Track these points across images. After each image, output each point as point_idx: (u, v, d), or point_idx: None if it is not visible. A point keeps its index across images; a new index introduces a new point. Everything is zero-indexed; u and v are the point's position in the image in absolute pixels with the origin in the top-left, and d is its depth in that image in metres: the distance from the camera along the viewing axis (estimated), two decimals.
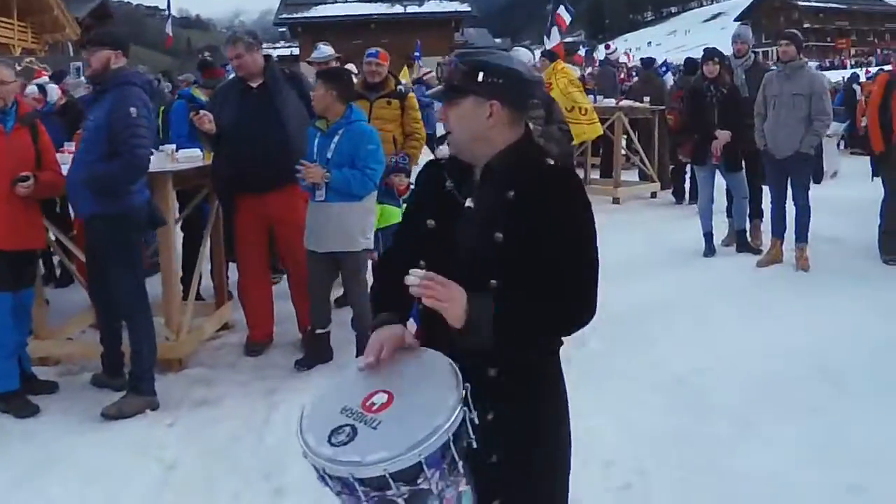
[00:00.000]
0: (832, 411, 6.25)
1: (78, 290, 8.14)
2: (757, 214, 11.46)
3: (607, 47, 25.82)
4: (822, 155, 16.98)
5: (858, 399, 6.46)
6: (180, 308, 7.58)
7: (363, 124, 7.21)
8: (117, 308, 6.64)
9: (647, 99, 16.35)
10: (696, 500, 5.07)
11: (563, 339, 3.07)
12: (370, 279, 5.62)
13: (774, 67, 10.61)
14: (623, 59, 34.52)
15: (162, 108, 10.49)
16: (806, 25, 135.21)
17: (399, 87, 9.25)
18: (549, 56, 14.26)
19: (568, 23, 20.28)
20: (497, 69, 2.89)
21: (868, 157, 11.98)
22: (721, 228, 11.51)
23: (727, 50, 11.92)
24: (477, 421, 2.65)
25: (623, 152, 16.80)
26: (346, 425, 2.59)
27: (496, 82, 2.88)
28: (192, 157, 7.82)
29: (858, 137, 18.65)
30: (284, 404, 6.44)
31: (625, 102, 16.78)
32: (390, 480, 2.46)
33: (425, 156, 8.98)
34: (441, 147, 8.68)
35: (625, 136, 16.59)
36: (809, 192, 10.39)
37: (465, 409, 2.60)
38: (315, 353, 7.40)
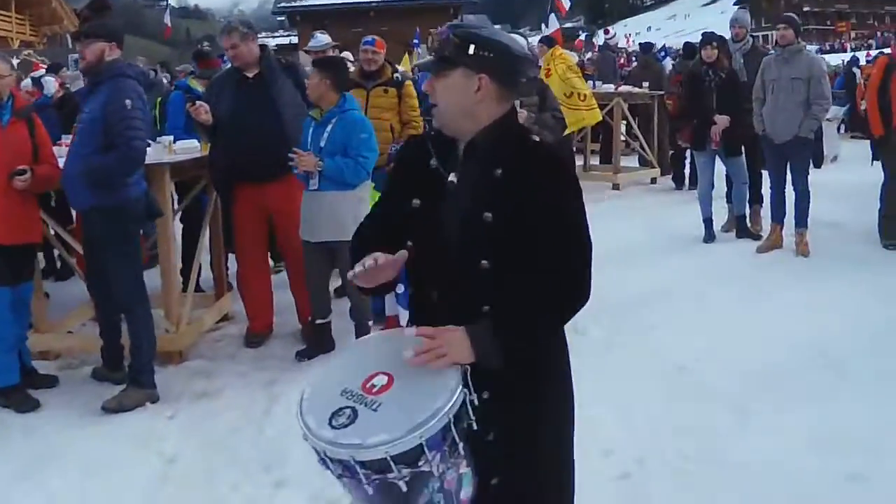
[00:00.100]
0: (832, 399, 6.23)
1: (78, 284, 8.14)
2: (757, 200, 11.46)
3: (606, 32, 25.88)
4: (822, 139, 16.99)
5: (859, 386, 6.45)
6: (180, 300, 7.58)
7: (356, 113, 7.21)
8: (116, 301, 6.62)
9: (645, 84, 16.36)
10: (695, 490, 5.05)
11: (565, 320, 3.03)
12: None
13: (773, 52, 10.57)
14: (623, 43, 34.47)
15: (159, 99, 10.48)
16: (806, 9, 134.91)
17: (396, 75, 9.20)
18: (548, 42, 14.21)
19: (567, 8, 20.24)
20: (488, 43, 2.86)
21: (868, 141, 11.96)
22: (721, 214, 11.51)
23: (727, 34, 11.89)
24: (476, 402, 2.66)
25: (622, 138, 16.81)
26: (347, 407, 2.59)
27: (486, 56, 2.85)
28: (190, 148, 7.81)
29: (859, 121, 18.61)
30: (285, 396, 6.42)
31: (624, 88, 16.80)
32: (391, 463, 2.47)
33: None
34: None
35: (624, 122, 16.60)
36: (809, 177, 10.38)
37: (465, 390, 2.60)
38: (316, 343, 7.40)
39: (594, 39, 43.68)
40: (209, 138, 7.59)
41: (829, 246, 10.52)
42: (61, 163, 6.57)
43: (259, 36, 7.95)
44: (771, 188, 10.49)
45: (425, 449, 2.48)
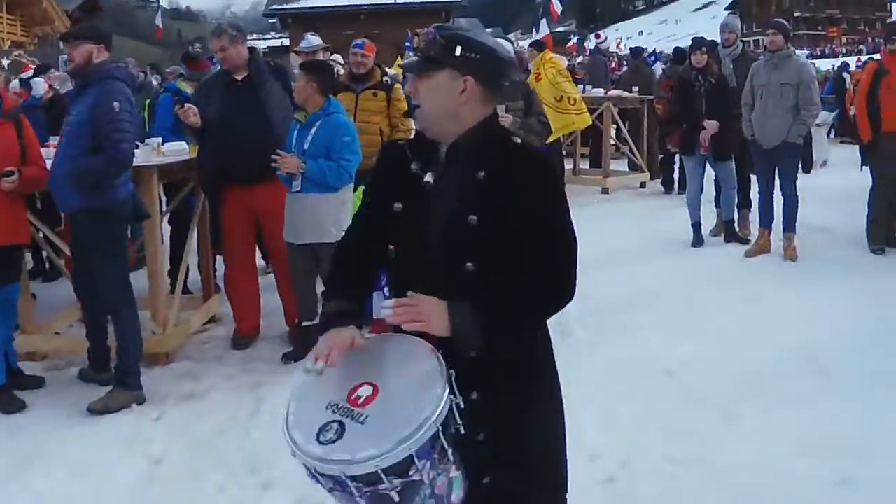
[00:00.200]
0: (820, 402, 6.24)
1: (65, 285, 8.14)
2: (745, 204, 11.50)
3: (597, 37, 25.84)
4: (811, 144, 17.02)
5: (847, 389, 6.46)
6: (167, 302, 7.58)
7: (340, 116, 7.24)
8: (103, 302, 6.62)
9: (635, 89, 16.37)
10: (681, 494, 5.06)
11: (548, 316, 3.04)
12: None
13: (762, 57, 10.60)
14: (613, 48, 34.52)
15: (148, 101, 10.47)
16: (797, 14, 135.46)
17: (385, 78, 9.22)
18: (538, 46, 14.24)
19: (559, 12, 20.27)
20: (475, 45, 2.87)
21: (857, 146, 12.00)
22: (709, 218, 11.52)
23: (718, 39, 11.92)
24: (462, 405, 2.66)
25: (612, 142, 16.81)
26: (334, 422, 2.58)
27: (473, 58, 2.86)
28: (178, 150, 7.81)
29: (848, 126, 18.66)
30: (271, 398, 6.42)
31: (614, 92, 16.84)
32: (382, 475, 2.47)
33: None
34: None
35: (614, 126, 16.61)
36: (798, 182, 10.41)
37: (451, 395, 2.60)
38: (303, 346, 7.37)
39: (585, 44, 43.70)
40: (198, 140, 7.58)
41: (817, 250, 10.55)
42: (49, 164, 6.56)
43: (251, 38, 7.96)
44: (759, 193, 10.52)
45: (415, 459, 2.48)
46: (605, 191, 15.76)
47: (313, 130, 7.04)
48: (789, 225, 10.28)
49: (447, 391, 2.58)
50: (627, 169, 17.08)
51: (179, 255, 8.60)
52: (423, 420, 2.49)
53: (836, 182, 14.93)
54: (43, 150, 6.96)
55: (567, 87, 12.96)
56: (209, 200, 8.03)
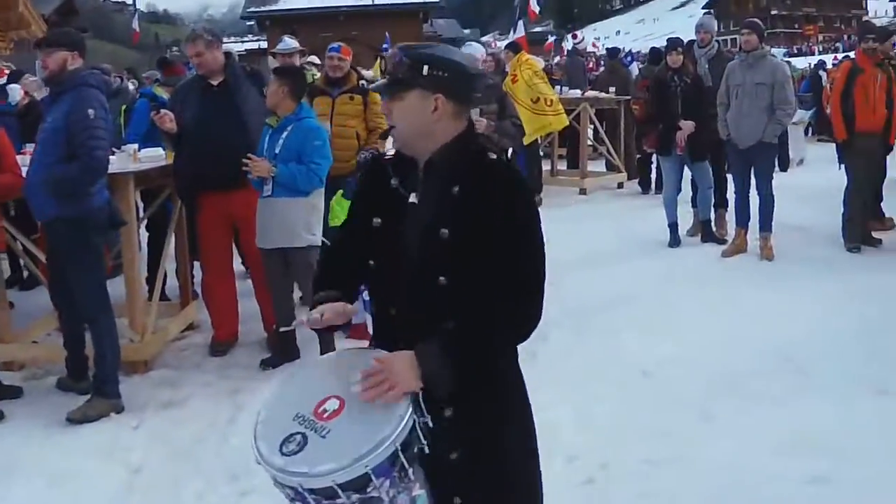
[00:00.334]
0: (796, 401, 6.28)
1: (43, 293, 8.10)
2: (722, 204, 11.55)
3: (574, 37, 25.85)
4: (787, 143, 17.09)
5: (823, 389, 6.49)
6: (144, 309, 7.56)
7: (311, 121, 7.27)
8: (79, 310, 6.60)
9: (612, 89, 16.40)
10: (659, 494, 5.08)
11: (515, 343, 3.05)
12: None
13: (738, 57, 10.65)
14: (591, 48, 34.56)
15: (124, 106, 10.45)
16: (774, 12, 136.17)
17: (362, 82, 9.21)
18: (513, 48, 14.27)
19: (538, 12, 20.28)
20: (442, 62, 2.87)
21: (835, 144, 12.05)
22: (686, 218, 11.55)
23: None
24: (431, 424, 2.67)
25: (589, 143, 16.84)
26: (298, 433, 2.61)
27: (441, 75, 2.86)
28: (154, 156, 7.78)
29: (825, 124, 18.73)
30: (250, 404, 6.39)
31: (590, 93, 16.87)
32: (339, 490, 2.49)
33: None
34: (387, 141, 8.69)
35: (591, 127, 16.64)
36: (774, 181, 10.46)
37: (416, 415, 2.62)
38: (281, 351, 7.40)
39: (563, 44, 43.72)
40: (173, 146, 7.57)
41: (793, 249, 10.59)
42: (24, 172, 6.54)
43: (228, 41, 7.97)
44: (735, 193, 10.56)
45: (372, 476, 2.50)
46: (582, 191, 15.77)
47: (284, 135, 7.06)
48: (766, 224, 10.32)
49: (409, 411, 2.60)
50: (605, 170, 17.11)
51: (157, 261, 8.59)
52: (382, 439, 2.51)
53: (813, 180, 14.99)
54: (18, 158, 6.95)
55: (543, 88, 13.01)
56: (185, 207, 8.01)
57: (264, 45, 62.38)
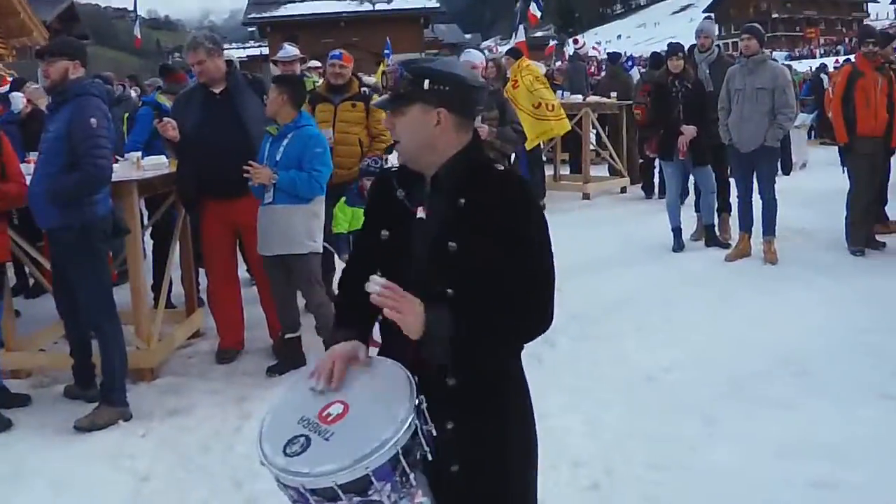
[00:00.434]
0: (799, 406, 6.29)
1: (49, 301, 8.07)
2: (725, 208, 11.56)
3: (576, 42, 25.85)
4: (789, 146, 17.12)
5: (826, 393, 6.50)
6: (150, 316, 7.57)
7: (311, 129, 7.28)
8: (85, 318, 6.63)
9: (614, 94, 16.41)
10: (663, 499, 5.10)
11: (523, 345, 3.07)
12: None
13: (738, 62, 10.66)
14: (592, 52, 34.56)
15: (127, 114, 10.47)
16: (775, 15, 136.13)
17: (363, 89, 9.22)
18: (514, 54, 14.30)
19: (538, 17, 20.27)
20: (442, 76, 2.88)
21: (837, 147, 12.05)
22: (690, 223, 11.56)
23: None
24: (434, 432, 2.70)
25: (592, 148, 16.85)
26: (301, 436, 2.65)
27: (442, 89, 2.86)
28: (158, 164, 7.81)
29: (827, 127, 18.74)
30: (256, 412, 6.40)
31: (592, 98, 16.88)
32: (339, 492, 2.52)
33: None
34: (390, 156, 8.72)
35: (593, 132, 16.66)
36: (777, 184, 10.48)
37: (418, 421, 2.64)
38: (287, 358, 7.41)
39: (564, 48, 43.74)
40: (176, 154, 7.59)
41: (797, 253, 10.61)
42: (28, 181, 6.57)
43: (230, 47, 7.99)
44: (738, 197, 10.57)
45: (373, 479, 2.53)
46: (585, 196, 15.80)
47: (285, 142, 7.09)
48: (769, 228, 10.33)
49: (411, 416, 2.62)
50: (608, 174, 17.12)
51: (162, 269, 8.60)
52: (383, 441, 2.53)
53: (816, 184, 15.04)
54: (22, 166, 6.97)
55: (545, 93, 13.03)
56: (189, 214, 8.05)
57: (266, 51, 62.44)
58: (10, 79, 14.68)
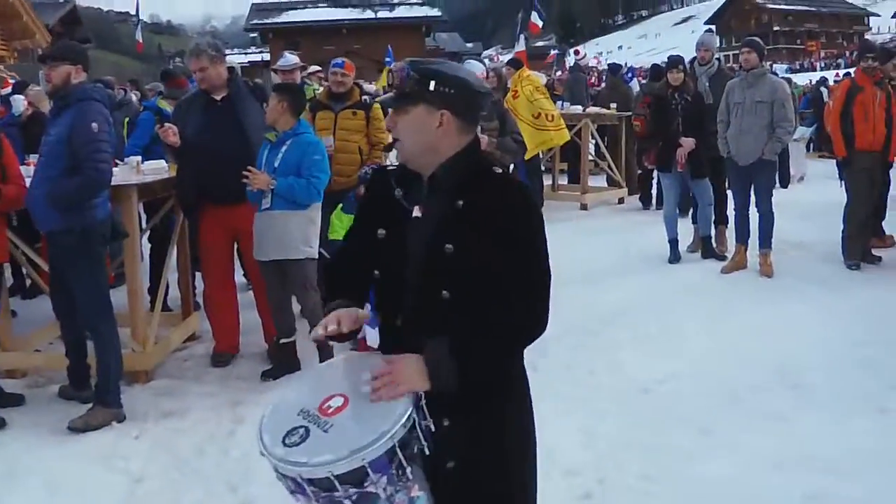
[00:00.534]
0: (793, 418, 6.31)
1: (45, 302, 8.09)
2: (722, 221, 11.56)
3: (576, 53, 25.91)
4: (788, 159, 17.15)
5: (820, 406, 6.52)
6: (146, 319, 7.58)
7: (310, 136, 7.33)
8: (82, 320, 6.65)
9: (613, 105, 16.44)
10: None
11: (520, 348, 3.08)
12: None
13: (737, 75, 10.69)
14: (592, 63, 34.65)
15: (127, 118, 10.49)
16: (776, 28, 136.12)
17: (364, 97, 9.25)
18: (514, 64, 14.33)
19: (540, 27, 20.30)
20: (448, 79, 2.90)
21: (835, 161, 12.08)
22: (686, 235, 11.57)
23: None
24: (433, 428, 2.72)
25: (591, 158, 16.87)
26: (301, 427, 2.68)
27: (447, 92, 2.89)
28: (158, 169, 7.83)
29: (826, 140, 18.80)
30: (250, 416, 6.42)
31: (592, 109, 16.90)
32: (336, 482, 2.54)
33: None
34: (389, 154, 8.74)
35: (592, 142, 16.68)
36: (775, 197, 10.49)
37: (416, 416, 2.66)
38: (281, 363, 7.42)
39: (565, 59, 43.84)
40: (176, 160, 7.62)
41: (793, 266, 10.62)
42: (28, 183, 6.58)
43: (231, 52, 8.01)
44: (735, 209, 10.59)
45: (369, 471, 2.55)
46: (583, 207, 15.81)
47: (283, 149, 7.12)
48: (765, 241, 10.35)
49: (410, 410, 2.65)
50: (606, 185, 17.14)
51: (159, 272, 8.63)
52: (380, 434, 2.55)
53: (814, 197, 15.08)
54: (22, 169, 6.99)
55: (544, 103, 13.05)
56: (188, 219, 8.07)
57: (267, 57, 62.47)
58: (11, 81, 14.69)
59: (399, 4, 67.89)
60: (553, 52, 48.00)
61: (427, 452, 2.72)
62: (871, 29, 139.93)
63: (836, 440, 5.91)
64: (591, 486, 5.37)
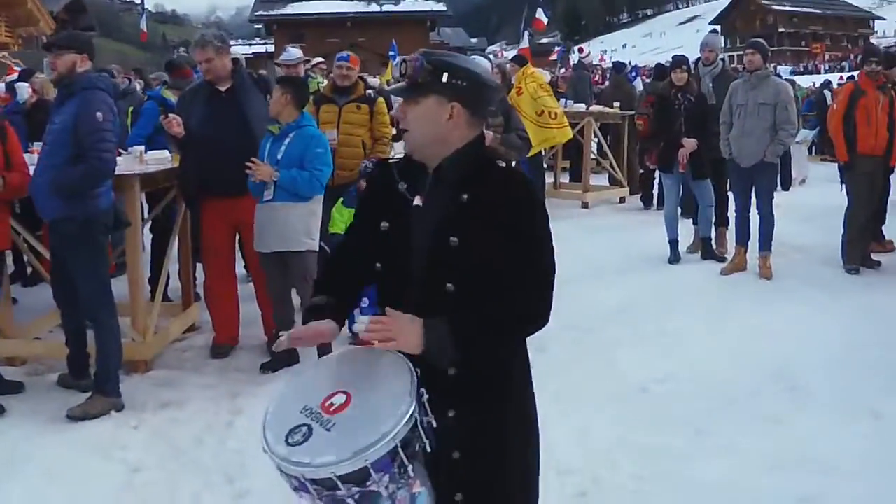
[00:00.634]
0: (790, 421, 6.32)
1: (46, 290, 8.10)
2: (722, 222, 11.57)
3: (581, 51, 25.90)
4: (790, 162, 17.16)
5: (816, 409, 6.52)
6: (146, 309, 7.60)
7: (312, 128, 7.36)
8: (82, 308, 6.66)
9: (617, 104, 16.44)
10: None
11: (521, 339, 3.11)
12: None
13: (741, 76, 10.69)
14: (597, 61, 34.61)
15: (131, 108, 10.50)
16: (781, 30, 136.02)
17: (368, 91, 9.26)
18: (519, 61, 14.32)
19: (545, 23, 20.29)
20: (461, 71, 2.91)
21: (837, 164, 12.08)
22: (687, 235, 11.59)
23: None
24: (434, 424, 2.73)
25: (593, 157, 16.88)
26: (304, 425, 2.68)
27: (459, 84, 2.90)
28: (161, 159, 7.85)
29: (829, 143, 18.81)
30: (248, 408, 6.45)
31: (595, 107, 16.88)
32: (338, 482, 2.55)
33: None
34: (397, 144, 8.76)
35: (595, 141, 16.69)
36: (777, 199, 10.51)
37: (418, 414, 2.67)
38: (280, 356, 7.41)
39: (570, 56, 43.79)
40: (180, 151, 7.63)
41: (793, 269, 10.63)
42: (31, 171, 6.60)
43: (235, 43, 8.03)
44: (736, 211, 10.60)
45: (371, 471, 2.56)
46: (584, 205, 15.83)
47: (287, 142, 7.14)
48: (765, 244, 10.36)
49: (412, 409, 2.65)
50: (607, 184, 17.16)
51: (160, 262, 8.64)
52: (382, 434, 2.56)
53: (815, 200, 15.08)
54: (26, 157, 7.00)
55: (548, 101, 13.04)
56: (190, 210, 8.08)
57: (272, 48, 62.48)
58: (17, 69, 14.70)
59: None
60: (557, 48, 47.88)
61: (429, 450, 2.73)
62: (875, 32, 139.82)
63: (832, 443, 5.92)
64: (586, 484, 5.38)
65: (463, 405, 2.92)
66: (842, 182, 11.13)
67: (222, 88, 7.52)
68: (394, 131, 9.13)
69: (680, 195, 11.32)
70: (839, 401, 6.64)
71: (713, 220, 11.29)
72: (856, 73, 13.36)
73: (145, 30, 41.03)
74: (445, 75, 2.90)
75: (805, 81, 39.74)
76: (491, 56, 22.33)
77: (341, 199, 8.10)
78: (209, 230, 7.74)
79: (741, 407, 6.58)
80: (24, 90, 10.59)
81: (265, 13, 65.97)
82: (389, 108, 9.35)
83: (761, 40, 10.74)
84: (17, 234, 7.58)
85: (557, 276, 2.96)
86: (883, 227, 11.73)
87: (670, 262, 11.16)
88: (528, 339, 3.12)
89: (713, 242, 11.40)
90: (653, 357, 7.62)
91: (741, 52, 11.39)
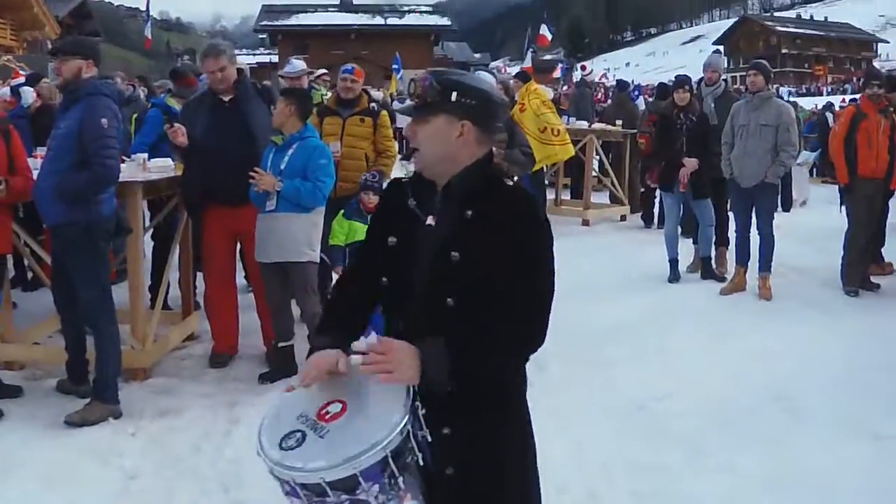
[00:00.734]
0: (787, 441, 6.33)
1: (46, 294, 8.11)
2: (722, 242, 11.58)
3: (583, 68, 25.97)
4: (791, 183, 17.18)
5: (814, 429, 6.53)
6: (146, 317, 7.61)
7: (316, 140, 7.39)
8: (83, 315, 6.67)
9: (619, 122, 16.47)
10: None
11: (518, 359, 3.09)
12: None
13: (743, 97, 10.72)
14: (599, 79, 34.63)
15: (135, 115, 10.52)
16: (784, 51, 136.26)
17: (372, 104, 9.28)
18: (522, 77, 14.35)
19: (549, 40, 20.31)
20: (470, 90, 2.92)
21: (837, 186, 12.10)
22: (687, 255, 11.59)
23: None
24: (430, 438, 2.74)
25: (594, 174, 16.90)
26: (298, 431, 2.72)
27: (469, 103, 2.91)
28: (164, 167, 7.86)
29: (830, 165, 18.86)
30: (246, 417, 6.45)
31: (597, 125, 16.91)
32: (327, 488, 2.58)
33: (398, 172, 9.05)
34: (406, 163, 8.75)
35: (597, 159, 16.72)
36: (777, 220, 10.53)
37: (412, 427, 2.69)
38: (279, 366, 7.44)
39: (573, 73, 43.85)
40: (183, 160, 7.65)
41: (792, 290, 10.64)
42: (35, 176, 6.61)
43: (240, 53, 8.06)
44: (736, 231, 10.62)
45: (360, 479, 2.58)
46: (585, 222, 15.83)
47: (290, 152, 7.18)
48: (765, 264, 10.37)
49: (405, 420, 2.66)
50: (608, 202, 17.18)
51: (161, 270, 8.65)
52: (373, 444, 2.58)
53: (815, 221, 15.12)
54: (29, 161, 7.01)
55: (551, 118, 13.06)
56: (192, 219, 8.09)
57: (276, 59, 62.55)
58: (22, 73, 14.72)
59: (409, 12, 68.03)
60: (560, 65, 47.99)
61: (422, 464, 2.74)
62: (878, 55, 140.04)
63: (831, 463, 5.92)
64: (582, 501, 5.38)
65: (459, 422, 2.91)
66: (842, 204, 11.15)
67: (226, 98, 7.54)
68: (396, 147, 9.14)
69: (680, 214, 11.35)
70: (838, 421, 6.65)
71: (713, 240, 11.30)
72: (858, 96, 13.37)
73: (150, 37, 41.09)
74: (455, 94, 2.90)
75: (807, 103, 39.80)
76: (494, 71, 22.35)
77: (342, 211, 8.12)
78: (210, 239, 7.76)
79: (740, 426, 6.58)
80: (29, 94, 10.61)
81: (270, 23, 66.03)
82: (393, 121, 9.36)
83: (764, 61, 10.79)
84: (19, 239, 7.59)
85: (556, 292, 2.96)
86: (882, 250, 11.73)
87: (670, 280, 11.17)
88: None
89: (713, 262, 11.41)
90: (652, 375, 7.62)
91: (744, 73, 11.40)
